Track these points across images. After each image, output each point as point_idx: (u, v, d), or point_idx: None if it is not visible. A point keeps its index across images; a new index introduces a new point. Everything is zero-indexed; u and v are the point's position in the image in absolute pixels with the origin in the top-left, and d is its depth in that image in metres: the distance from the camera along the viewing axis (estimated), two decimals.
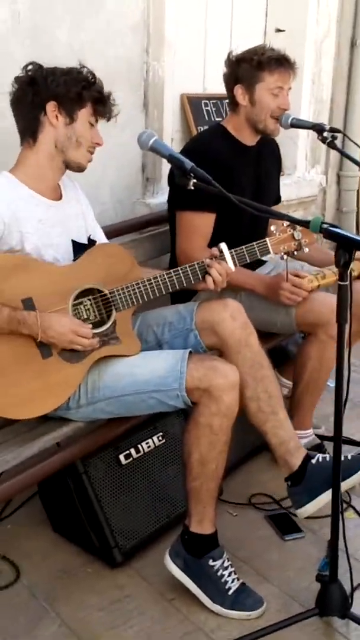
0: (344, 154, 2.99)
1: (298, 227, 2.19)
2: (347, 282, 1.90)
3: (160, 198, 3.27)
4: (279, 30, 4.24)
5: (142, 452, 2.58)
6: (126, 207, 3.29)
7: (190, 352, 2.26)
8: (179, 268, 2.27)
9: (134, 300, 2.27)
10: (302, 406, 2.89)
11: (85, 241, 2.41)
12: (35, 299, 2.14)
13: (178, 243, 2.79)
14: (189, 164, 2.05)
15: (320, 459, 2.38)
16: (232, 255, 2.28)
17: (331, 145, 2.81)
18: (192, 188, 2.05)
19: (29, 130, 2.26)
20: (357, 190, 4.73)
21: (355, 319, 2.50)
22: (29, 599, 2.33)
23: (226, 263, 2.27)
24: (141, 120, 3.28)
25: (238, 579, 2.32)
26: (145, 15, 3.20)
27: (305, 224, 1.91)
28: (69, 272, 2.25)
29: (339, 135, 2.98)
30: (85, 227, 2.45)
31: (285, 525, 2.66)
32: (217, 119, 3.82)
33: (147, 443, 2.61)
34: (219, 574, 2.30)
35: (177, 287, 2.27)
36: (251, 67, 2.76)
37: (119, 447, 2.53)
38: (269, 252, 2.26)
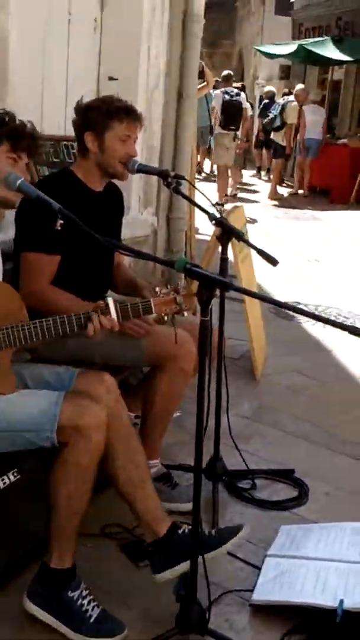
0: (187, 199, 3.18)
1: (181, 292, 2.28)
2: (208, 318, 2.07)
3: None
4: (111, 79, 4.43)
5: None
6: None
7: None
8: (64, 316, 2.28)
9: (16, 341, 2.25)
10: (151, 437, 2.99)
11: None
12: None
13: (25, 284, 2.79)
14: (56, 205, 2.14)
15: (187, 531, 2.49)
16: (116, 309, 2.33)
17: (176, 190, 2.99)
18: (59, 229, 2.13)
19: None
20: (185, 232, 5.01)
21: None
22: None
23: (111, 316, 2.31)
24: None
25: (98, 607, 2.37)
26: None
27: (170, 264, 2.06)
28: None
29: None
30: None
31: (138, 552, 2.74)
32: (54, 160, 3.92)
33: (2, 479, 2.60)
34: (78, 603, 2.35)
35: (61, 334, 2.28)
36: (101, 115, 2.87)
37: None
38: (151, 312, 2.32)
